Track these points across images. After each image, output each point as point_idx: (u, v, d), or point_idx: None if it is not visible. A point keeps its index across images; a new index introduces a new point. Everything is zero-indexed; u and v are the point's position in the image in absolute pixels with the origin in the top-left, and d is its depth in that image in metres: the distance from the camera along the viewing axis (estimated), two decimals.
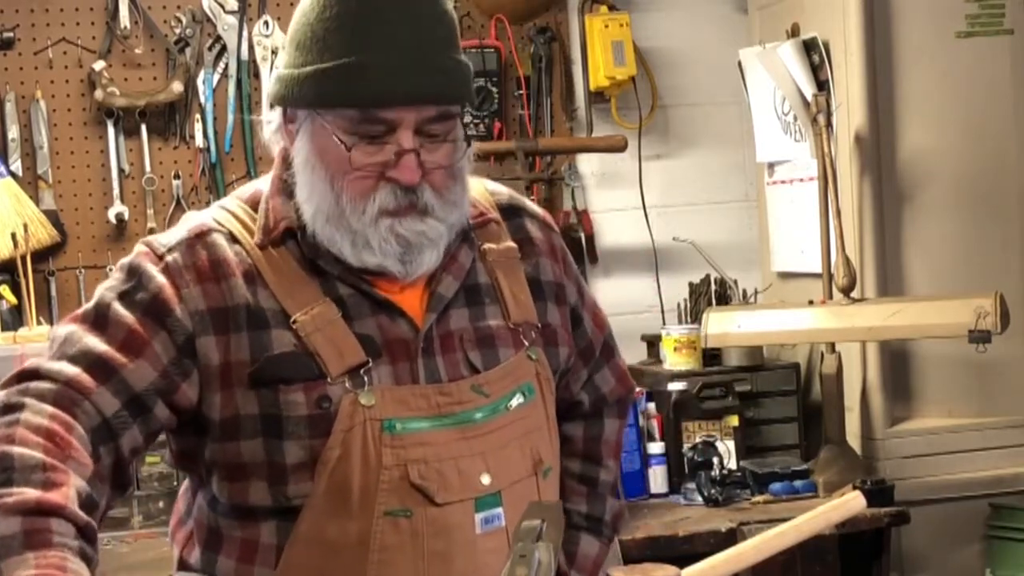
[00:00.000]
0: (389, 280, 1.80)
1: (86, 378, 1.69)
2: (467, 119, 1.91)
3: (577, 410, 2.08)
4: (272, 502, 1.76)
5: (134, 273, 1.78)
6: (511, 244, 1.93)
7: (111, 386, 1.70)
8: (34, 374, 1.71)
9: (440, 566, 1.77)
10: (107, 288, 1.78)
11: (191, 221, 1.85)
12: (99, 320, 1.74)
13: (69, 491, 1.57)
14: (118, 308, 1.74)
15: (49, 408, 1.66)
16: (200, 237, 1.81)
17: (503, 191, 2.01)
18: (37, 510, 1.53)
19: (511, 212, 1.97)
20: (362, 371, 1.76)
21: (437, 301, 1.82)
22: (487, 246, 1.90)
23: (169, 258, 1.78)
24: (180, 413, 1.76)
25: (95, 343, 1.72)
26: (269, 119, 1.85)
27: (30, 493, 1.54)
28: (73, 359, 1.71)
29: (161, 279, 1.76)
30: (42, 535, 1.52)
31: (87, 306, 1.78)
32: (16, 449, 1.59)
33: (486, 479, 1.79)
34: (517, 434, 1.84)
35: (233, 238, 1.80)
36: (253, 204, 1.85)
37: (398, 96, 1.73)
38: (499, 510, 1.80)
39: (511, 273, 1.91)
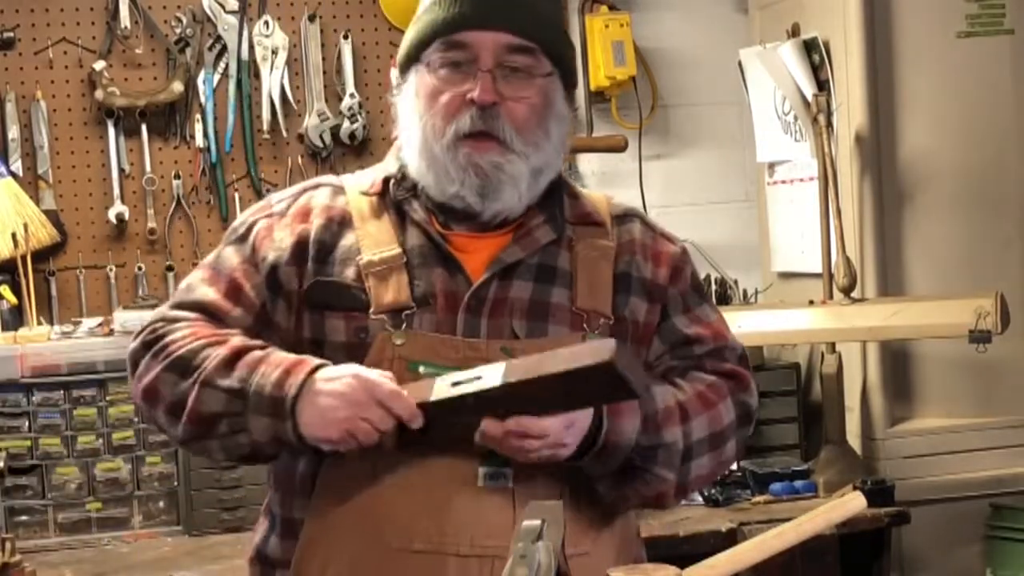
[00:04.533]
0: (466, 237, 1.93)
1: (205, 317, 1.93)
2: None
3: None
4: None
5: (245, 225, 2.00)
6: (609, 244, 1.98)
7: (234, 320, 1.93)
8: (161, 319, 1.94)
9: (440, 508, 1.82)
10: (226, 239, 2.02)
11: (313, 179, 2.07)
12: (214, 271, 1.98)
13: (235, 338, 1.88)
14: (229, 257, 1.98)
15: (188, 327, 1.91)
16: (307, 190, 2.02)
17: (624, 204, 2.08)
18: (236, 352, 1.86)
19: (624, 218, 2.04)
20: (404, 314, 1.87)
21: (496, 264, 1.91)
22: (580, 239, 1.97)
23: (276, 207, 2.00)
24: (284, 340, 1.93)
25: (207, 291, 1.95)
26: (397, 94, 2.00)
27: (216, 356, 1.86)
28: (189, 305, 1.95)
29: (261, 224, 1.97)
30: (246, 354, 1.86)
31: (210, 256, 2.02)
32: (180, 353, 1.87)
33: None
34: None
35: (341, 191, 1.99)
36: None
37: (472, 18, 1.87)
38: (507, 469, 1.84)
39: (596, 266, 1.96)
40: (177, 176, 3.79)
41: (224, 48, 3.80)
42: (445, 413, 1.79)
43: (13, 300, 3.56)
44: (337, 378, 1.80)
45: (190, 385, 1.85)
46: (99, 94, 3.69)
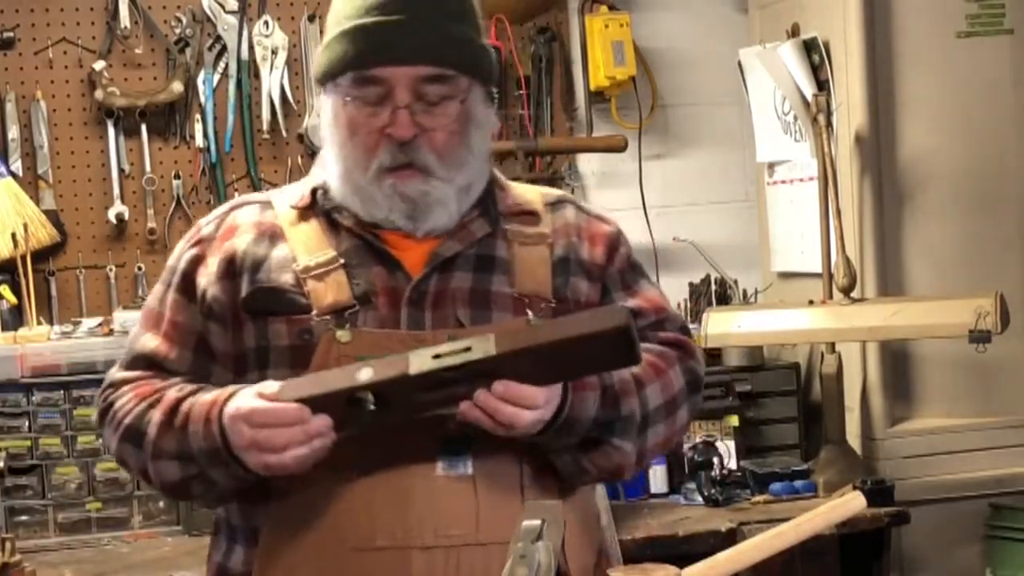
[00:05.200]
0: (401, 236, 1.93)
1: (147, 373, 1.95)
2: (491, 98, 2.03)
3: None
4: None
5: (177, 258, 2.01)
6: (544, 230, 2.00)
7: (174, 362, 1.95)
8: (110, 385, 1.98)
9: (399, 502, 1.81)
10: (161, 278, 2.03)
11: (239, 197, 2.10)
12: (152, 315, 2.00)
13: (170, 391, 1.90)
14: (164, 295, 1.99)
15: (131, 391, 1.94)
16: (234, 208, 2.02)
17: (557, 192, 2.12)
18: (169, 412, 1.87)
19: (557, 205, 2.05)
20: (347, 313, 1.87)
21: (434, 258, 1.92)
22: (515, 228, 1.98)
23: (204, 231, 2.01)
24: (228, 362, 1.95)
25: (146, 341, 1.97)
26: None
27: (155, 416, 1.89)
28: (130, 363, 1.98)
29: (190, 253, 1.98)
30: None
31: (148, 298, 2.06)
32: (128, 422, 1.90)
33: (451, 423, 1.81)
34: None
35: (269, 206, 2.00)
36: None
37: (385, 54, 1.86)
38: (466, 457, 1.83)
39: (533, 252, 1.97)
40: (177, 176, 3.79)
41: (224, 48, 3.80)
42: (420, 388, 1.74)
43: (13, 300, 3.56)
44: (230, 423, 1.80)
45: (146, 458, 1.90)
46: (99, 94, 3.69)
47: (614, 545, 2.11)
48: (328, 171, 1.96)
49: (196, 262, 1.97)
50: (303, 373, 1.83)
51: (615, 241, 2.06)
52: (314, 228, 1.95)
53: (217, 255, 1.95)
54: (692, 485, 3.46)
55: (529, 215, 2.01)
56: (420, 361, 1.72)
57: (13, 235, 3.57)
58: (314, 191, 1.98)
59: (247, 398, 1.79)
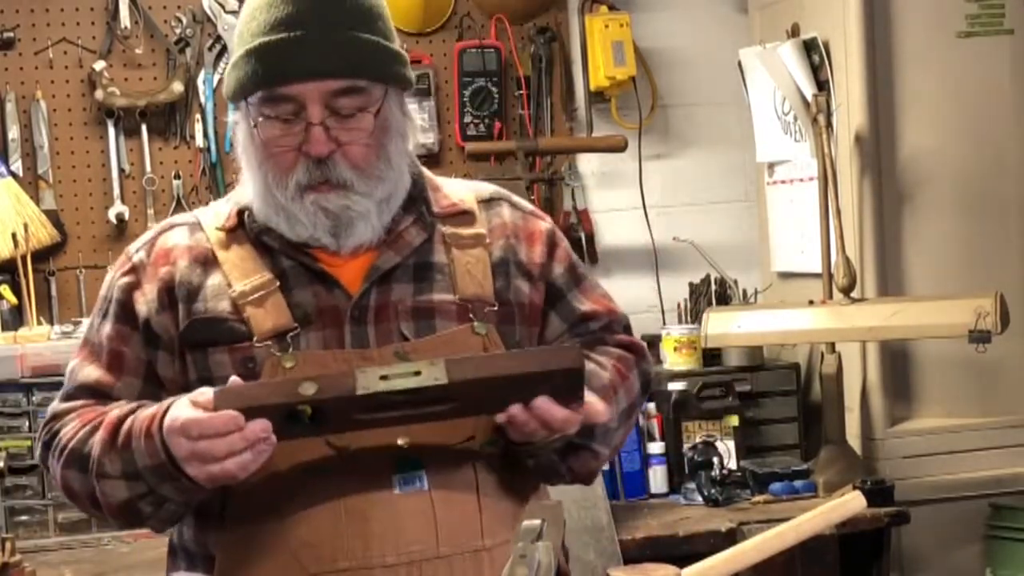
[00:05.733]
0: (333, 254, 1.90)
1: (91, 401, 1.92)
2: (412, 108, 2.02)
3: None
4: None
5: (109, 287, 1.98)
6: (481, 231, 1.98)
7: (121, 391, 1.92)
8: (53, 417, 1.93)
9: (359, 522, 1.81)
10: (96, 309, 1.99)
11: (165, 220, 2.04)
12: (91, 347, 1.96)
13: (112, 411, 1.86)
14: (102, 326, 1.95)
15: (75, 417, 1.90)
16: (162, 232, 1.98)
17: (489, 187, 2.08)
18: (112, 431, 1.83)
19: (491, 203, 2.04)
20: (289, 336, 1.85)
21: (373, 272, 1.90)
22: (451, 231, 1.96)
23: (135, 258, 1.96)
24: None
25: (89, 372, 1.93)
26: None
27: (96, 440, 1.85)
28: (73, 395, 1.93)
29: (124, 281, 1.95)
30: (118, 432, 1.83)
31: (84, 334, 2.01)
32: (72, 446, 1.86)
33: (401, 441, 1.82)
34: None
35: (198, 228, 1.96)
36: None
37: (293, 71, 1.82)
38: (420, 472, 1.84)
39: (471, 255, 1.95)
40: (177, 176, 3.79)
41: (224, 48, 3.80)
42: (362, 407, 1.72)
43: (13, 300, 3.56)
44: (168, 436, 1.75)
45: (91, 480, 1.84)
46: (99, 94, 3.69)
47: (613, 544, 2.12)
48: (251, 190, 1.92)
49: (131, 290, 1.93)
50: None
51: (552, 238, 2.05)
52: (246, 250, 1.92)
53: (154, 283, 1.92)
54: (692, 485, 3.46)
55: (464, 215, 1.99)
56: (367, 381, 1.70)
57: (13, 235, 3.57)
58: (240, 212, 1.95)
59: (182, 408, 1.75)
